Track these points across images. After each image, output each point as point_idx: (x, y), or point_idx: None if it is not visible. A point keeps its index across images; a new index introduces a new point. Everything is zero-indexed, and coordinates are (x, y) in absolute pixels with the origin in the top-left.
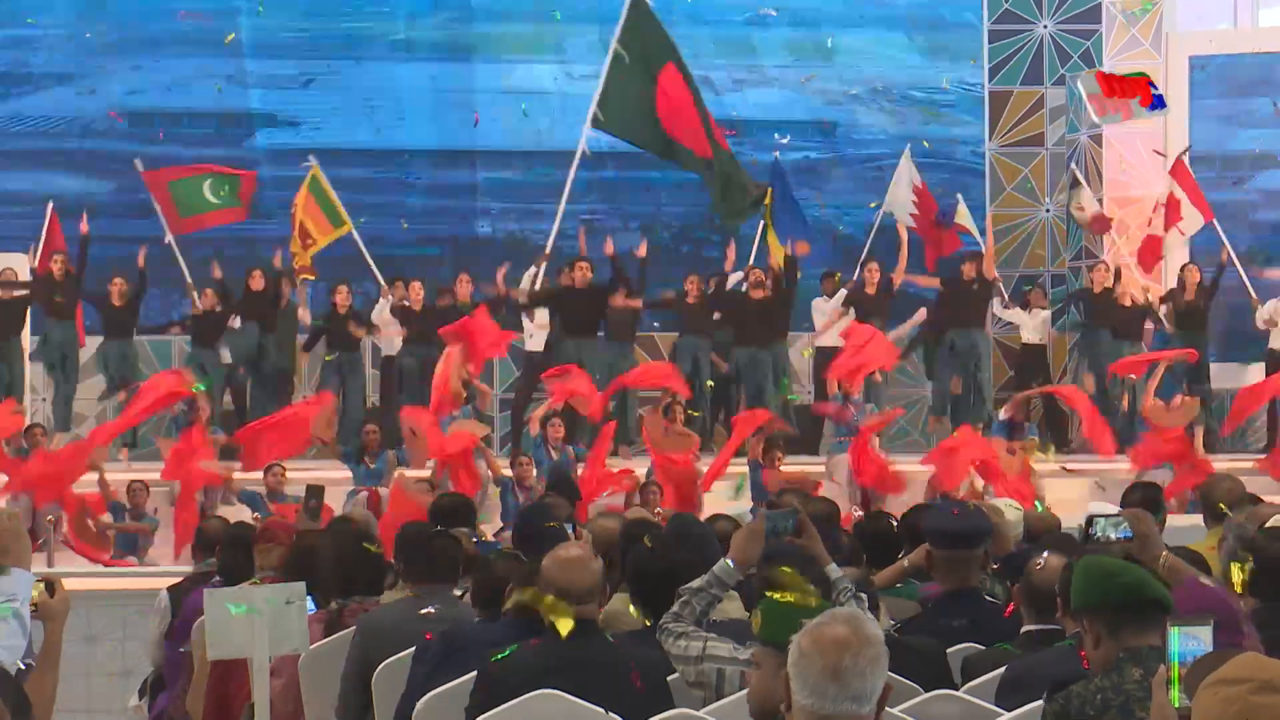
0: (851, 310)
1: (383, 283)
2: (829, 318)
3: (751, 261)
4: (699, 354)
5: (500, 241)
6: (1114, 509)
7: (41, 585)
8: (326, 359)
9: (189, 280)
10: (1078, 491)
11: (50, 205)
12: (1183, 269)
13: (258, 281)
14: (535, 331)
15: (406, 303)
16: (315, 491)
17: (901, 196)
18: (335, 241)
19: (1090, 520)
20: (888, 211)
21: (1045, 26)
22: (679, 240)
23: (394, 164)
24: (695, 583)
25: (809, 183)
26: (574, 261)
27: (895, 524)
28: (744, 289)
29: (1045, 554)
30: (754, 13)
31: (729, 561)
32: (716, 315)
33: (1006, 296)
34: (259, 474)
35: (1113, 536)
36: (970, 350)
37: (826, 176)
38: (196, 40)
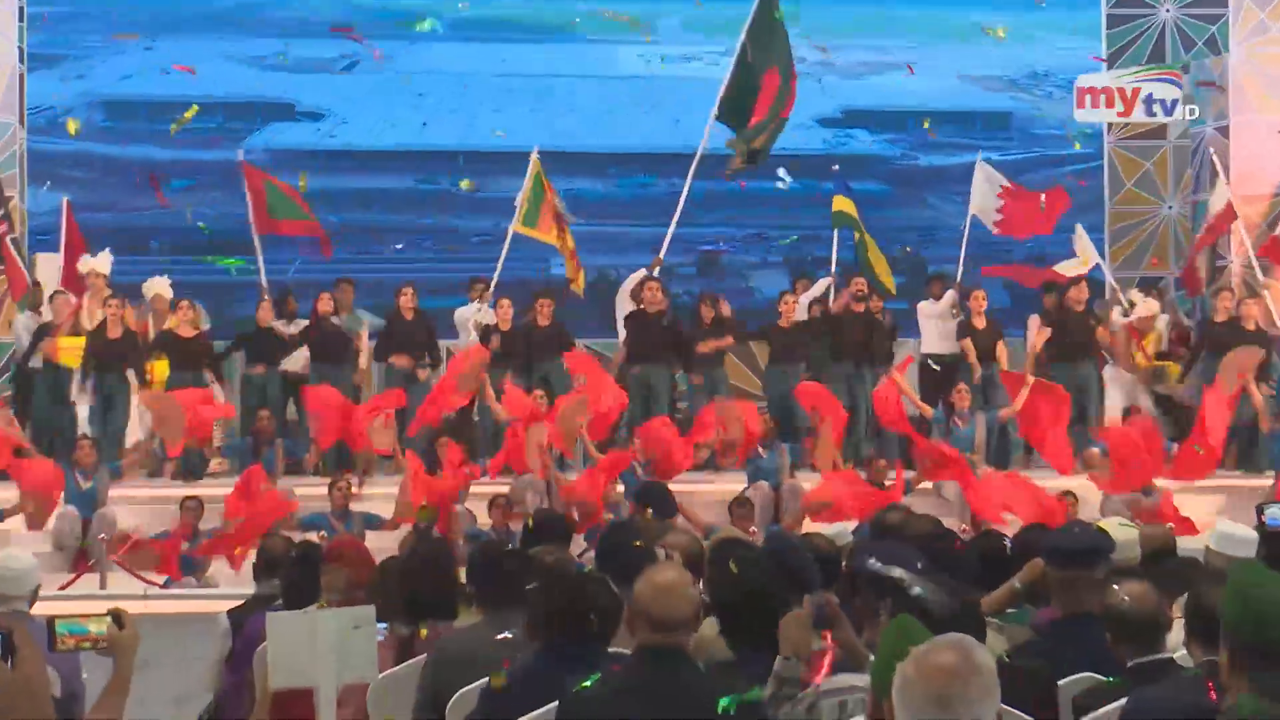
0: (959, 317)
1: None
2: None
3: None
4: (791, 383)
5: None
6: (1244, 529)
7: (109, 618)
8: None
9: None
10: (1207, 509)
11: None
12: None
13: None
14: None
15: (490, 321)
16: (427, 513)
17: (987, 200)
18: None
19: (1261, 509)
20: (975, 213)
21: (1168, 10)
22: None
23: (441, 168)
24: (765, 693)
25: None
26: (644, 282)
27: (1008, 544)
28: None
29: (1122, 584)
30: None
31: (783, 657)
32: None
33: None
34: (323, 490)
35: None
36: (1080, 388)
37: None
38: (219, 18)
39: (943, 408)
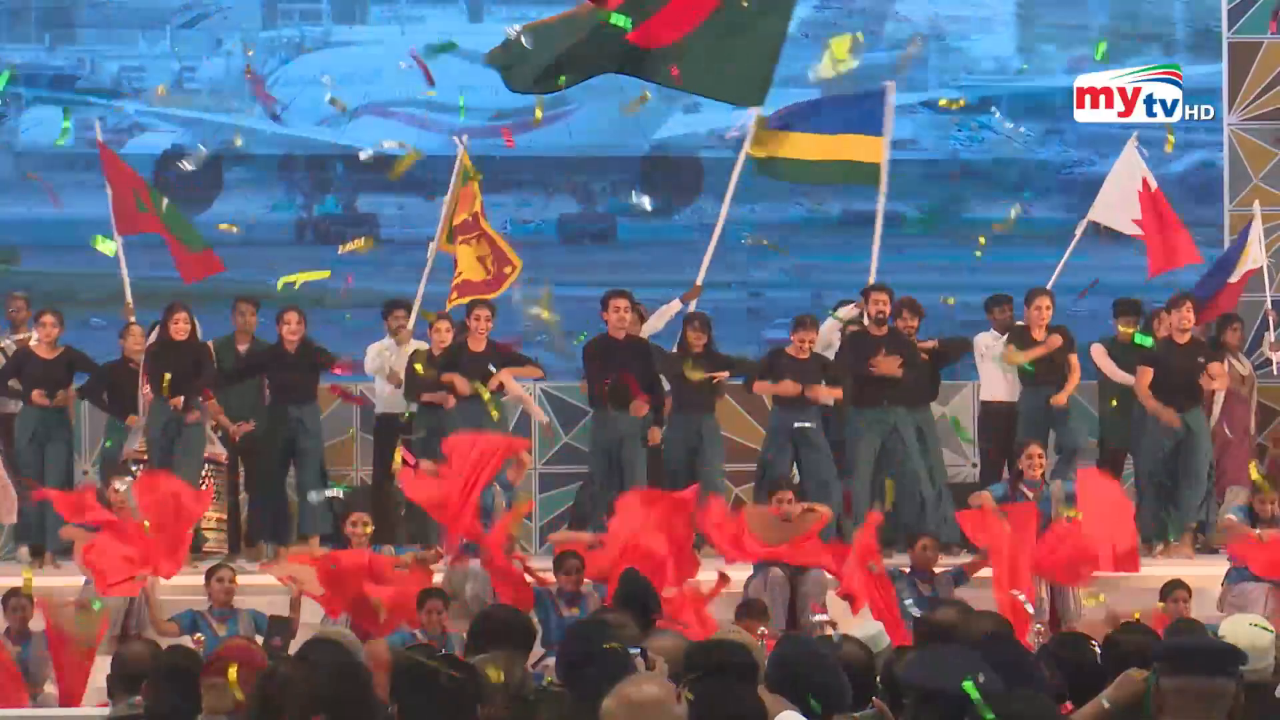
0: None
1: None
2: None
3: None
4: (801, 435)
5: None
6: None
7: None
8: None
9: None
10: None
11: None
12: None
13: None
14: None
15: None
16: (280, 625)
17: (1123, 197)
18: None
19: None
20: (1094, 222)
21: None
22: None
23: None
24: None
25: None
26: (608, 299)
27: (1097, 649)
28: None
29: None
30: None
31: None
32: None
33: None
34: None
35: None
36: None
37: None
38: None
39: (1008, 477)
